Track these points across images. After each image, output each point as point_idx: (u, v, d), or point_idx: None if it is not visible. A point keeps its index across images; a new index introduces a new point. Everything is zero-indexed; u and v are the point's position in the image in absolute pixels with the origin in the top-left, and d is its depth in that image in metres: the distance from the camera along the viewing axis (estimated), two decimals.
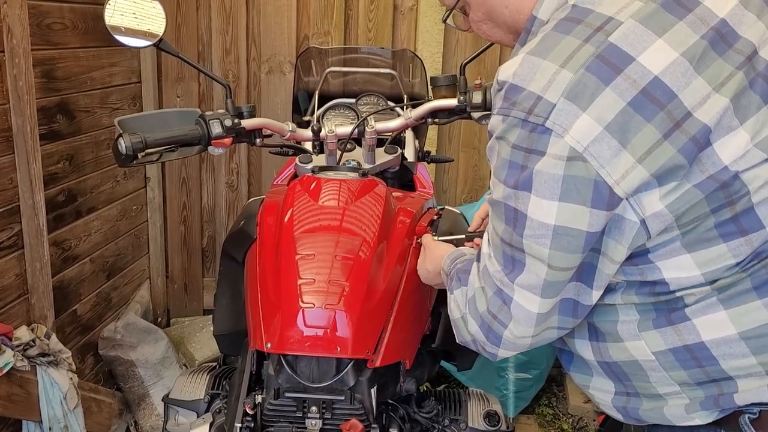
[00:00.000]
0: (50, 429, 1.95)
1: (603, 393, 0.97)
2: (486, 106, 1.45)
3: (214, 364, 1.63)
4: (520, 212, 0.83)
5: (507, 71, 0.84)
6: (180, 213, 2.91)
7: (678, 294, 0.85)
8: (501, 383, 2.56)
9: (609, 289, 0.91)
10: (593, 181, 0.78)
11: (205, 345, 2.84)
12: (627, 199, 0.80)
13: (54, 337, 1.99)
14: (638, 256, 0.86)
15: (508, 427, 1.38)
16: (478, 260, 0.97)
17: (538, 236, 0.83)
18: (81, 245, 2.29)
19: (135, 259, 2.72)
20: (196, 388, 1.47)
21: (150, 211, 2.80)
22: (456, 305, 1.01)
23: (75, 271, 2.26)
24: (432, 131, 2.81)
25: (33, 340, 1.89)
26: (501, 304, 0.91)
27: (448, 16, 1.04)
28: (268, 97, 2.81)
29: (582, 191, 0.78)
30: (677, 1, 0.81)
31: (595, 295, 0.88)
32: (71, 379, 1.99)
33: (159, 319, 2.91)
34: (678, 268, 0.84)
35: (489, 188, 0.94)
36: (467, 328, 0.97)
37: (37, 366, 1.90)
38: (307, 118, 1.82)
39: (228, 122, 1.35)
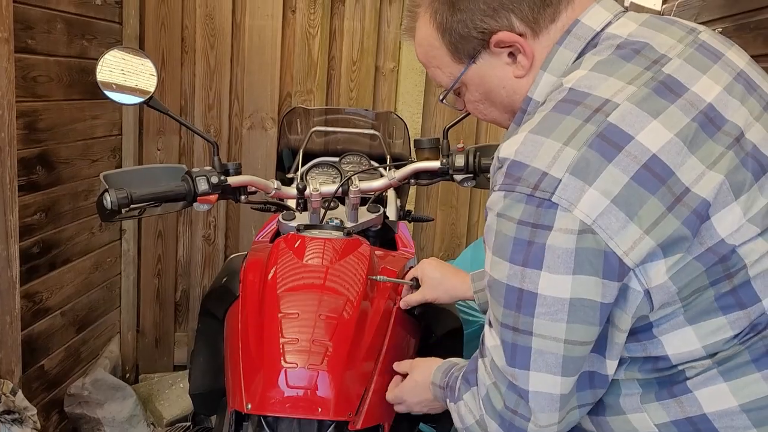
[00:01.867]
0: None
1: None
2: (468, 169, 1.49)
3: (187, 424, 1.59)
4: (526, 292, 0.82)
5: (509, 149, 0.85)
6: (154, 266, 2.87)
7: (680, 368, 0.86)
8: None
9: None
10: (603, 252, 0.79)
11: (174, 403, 2.76)
12: (634, 269, 0.81)
13: (20, 393, 1.92)
14: (642, 331, 0.87)
15: None
16: (483, 355, 0.94)
17: (554, 312, 0.81)
18: (53, 298, 2.24)
19: (106, 313, 2.66)
20: None
21: (124, 263, 2.76)
22: (468, 410, 0.97)
23: (45, 324, 2.20)
24: (411, 189, 2.85)
25: None
26: (517, 398, 0.88)
27: (445, 96, 1.05)
28: (249, 152, 2.83)
29: (594, 263, 0.79)
30: (667, 87, 0.84)
31: (610, 364, 0.88)
32: None
33: (128, 375, 2.83)
34: (680, 342, 0.85)
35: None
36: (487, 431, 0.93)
37: (0, 423, 1.83)
38: (290, 175, 1.84)
39: (214, 179, 1.36)
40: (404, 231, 1.77)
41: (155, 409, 2.72)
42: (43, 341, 2.20)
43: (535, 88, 0.93)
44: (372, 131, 1.93)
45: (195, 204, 1.36)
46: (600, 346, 0.87)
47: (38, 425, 1.95)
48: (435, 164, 1.53)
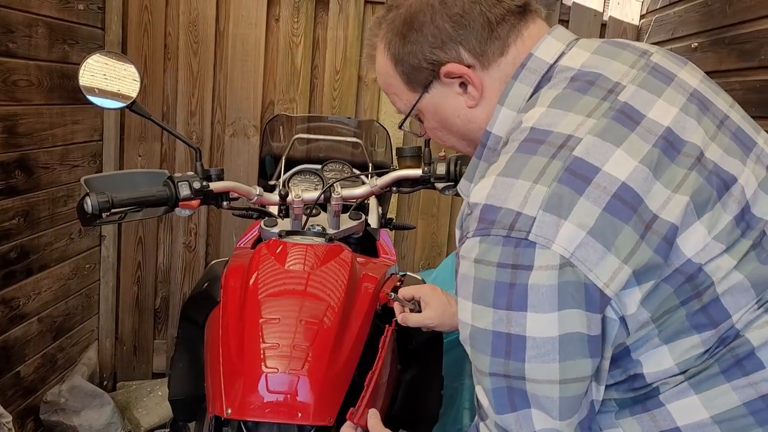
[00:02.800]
0: None
1: None
2: (449, 177, 1.51)
3: (165, 431, 1.58)
4: (514, 336, 0.80)
5: (479, 194, 0.85)
6: (134, 273, 2.85)
7: (654, 385, 0.87)
8: None
9: None
10: (583, 284, 0.78)
11: (152, 410, 2.73)
12: (613, 306, 0.81)
13: None
14: (621, 357, 0.87)
15: None
16: (483, 418, 0.90)
17: (545, 353, 0.80)
18: (30, 304, 2.22)
19: (84, 320, 2.64)
20: None
21: (103, 270, 2.74)
22: None
23: (21, 330, 2.18)
24: (393, 198, 2.86)
25: None
26: None
27: (402, 123, 1.07)
28: (231, 158, 2.83)
29: (576, 296, 0.79)
30: (626, 115, 0.85)
31: (598, 390, 0.87)
32: None
33: (105, 383, 2.80)
34: (656, 362, 0.85)
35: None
36: None
37: None
38: (272, 182, 1.84)
39: (197, 185, 1.36)
40: (385, 238, 1.78)
41: (133, 417, 2.70)
42: (19, 347, 2.17)
43: (494, 123, 0.95)
44: (354, 139, 1.94)
45: (177, 209, 1.36)
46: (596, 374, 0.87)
47: None
48: (416, 172, 1.55)
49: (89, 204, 1.24)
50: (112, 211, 1.31)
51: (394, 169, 1.58)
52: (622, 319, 0.82)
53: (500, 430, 0.87)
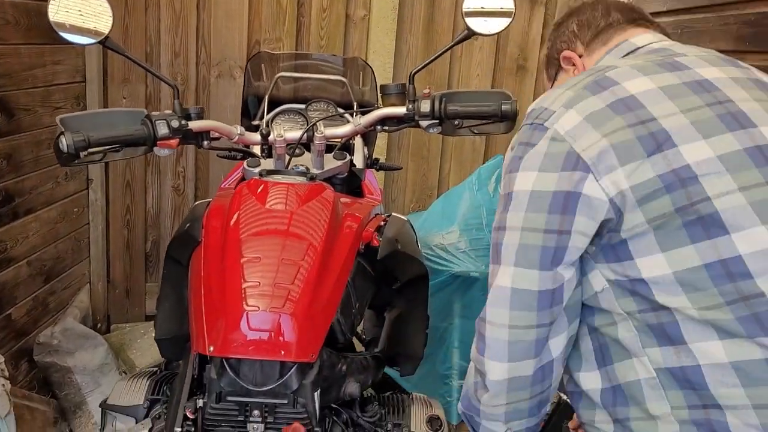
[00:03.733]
0: None
1: (605, 424, 1.03)
2: (434, 115, 1.48)
3: (155, 368, 1.59)
4: (508, 194, 1.00)
5: (532, 104, 1.05)
6: (123, 216, 2.84)
7: (668, 308, 0.92)
8: (445, 390, 2.59)
9: (598, 293, 0.99)
10: (566, 152, 0.95)
11: (146, 352, 2.77)
12: (593, 171, 0.93)
13: None
14: (619, 246, 0.95)
15: None
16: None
17: (519, 204, 0.97)
18: (17, 247, 2.21)
19: (75, 263, 2.64)
20: (136, 393, 1.43)
21: (92, 213, 2.73)
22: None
23: (10, 274, 2.18)
24: (381, 140, 2.83)
25: None
26: (486, 303, 1.01)
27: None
28: (218, 100, 2.79)
29: (555, 161, 0.95)
30: (672, 65, 1.01)
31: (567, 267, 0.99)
32: (3, 385, 1.91)
33: (99, 325, 2.83)
34: (653, 266, 0.92)
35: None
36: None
37: None
38: (256, 122, 1.81)
39: (175, 123, 1.33)
40: (371, 179, 1.76)
41: (127, 358, 2.74)
42: (8, 290, 2.18)
43: None
44: (339, 77, 1.90)
45: (155, 149, 1.33)
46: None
47: (6, 373, 1.95)
48: (401, 110, 1.52)
49: (64, 143, 1.22)
50: (90, 150, 1.29)
51: (378, 108, 1.55)
52: (611, 201, 0.92)
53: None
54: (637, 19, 1.19)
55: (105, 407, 1.43)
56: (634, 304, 0.95)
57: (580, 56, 1.21)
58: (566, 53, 1.23)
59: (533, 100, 1.34)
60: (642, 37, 1.15)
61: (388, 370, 1.57)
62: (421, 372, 2.64)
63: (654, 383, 0.94)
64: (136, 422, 1.40)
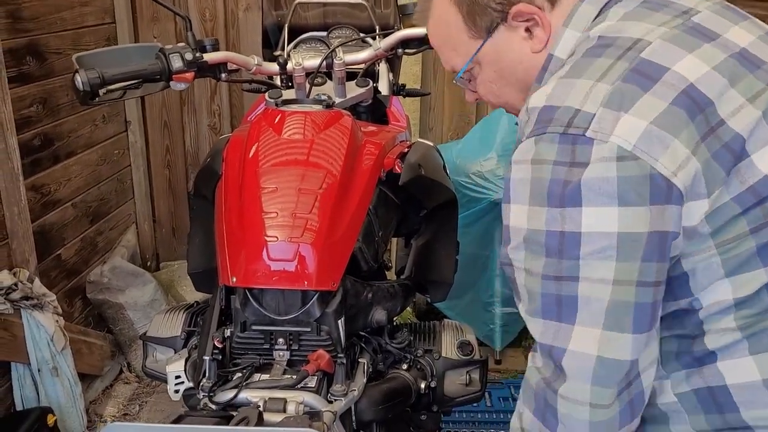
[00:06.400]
0: (39, 370, 1.98)
1: None
2: None
3: (193, 302, 1.64)
4: (568, 234, 0.76)
5: (538, 97, 0.82)
6: (163, 157, 2.88)
7: (705, 329, 0.81)
8: (488, 317, 2.59)
9: None
10: (648, 176, 0.73)
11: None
12: (684, 194, 0.75)
13: (37, 281, 2.00)
14: (678, 286, 0.81)
15: (481, 357, 1.40)
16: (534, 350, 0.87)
17: (601, 250, 0.75)
18: (61, 190, 2.28)
19: (119, 204, 2.71)
20: (173, 325, 1.48)
21: (132, 155, 2.78)
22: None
23: (56, 216, 2.26)
24: (415, 66, 2.75)
25: (15, 284, 1.90)
26: (553, 366, 0.81)
27: (461, 75, 0.99)
28: (247, 35, 2.74)
29: (640, 191, 0.73)
30: (699, 32, 0.82)
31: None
32: (57, 321, 2.02)
33: (149, 263, 2.92)
34: (715, 294, 0.79)
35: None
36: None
37: (21, 309, 1.92)
38: (277, 52, 1.77)
39: (189, 56, 1.32)
40: (397, 105, 1.72)
41: (178, 294, 2.83)
42: (56, 232, 2.26)
43: (556, 45, 0.88)
44: (359, 1, 1.82)
45: (171, 83, 1.32)
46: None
47: (59, 310, 2.04)
48: (422, 31, 1.45)
49: (79, 81, 1.22)
50: (109, 88, 1.29)
51: (399, 29, 1.49)
52: (684, 230, 0.77)
53: (543, 349, 0.83)
54: None
55: (145, 339, 1.48)
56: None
57: (539, 8, 0.88)
58: (522, 6, 0.87)
59: None
60: None
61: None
62: (464, 300, 2.64)
63: (676, 407, 0.84)
64: (175, 353, 1.45)
